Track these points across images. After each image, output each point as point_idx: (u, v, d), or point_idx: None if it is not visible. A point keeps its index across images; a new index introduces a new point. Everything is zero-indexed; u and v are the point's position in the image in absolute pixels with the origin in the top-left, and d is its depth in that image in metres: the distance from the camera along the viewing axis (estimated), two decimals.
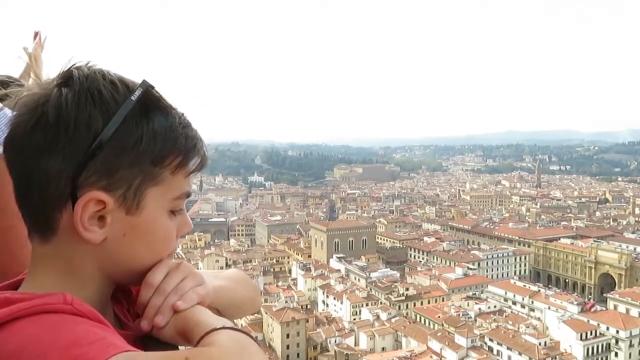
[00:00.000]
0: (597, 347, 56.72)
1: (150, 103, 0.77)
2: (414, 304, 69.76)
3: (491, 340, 55.52)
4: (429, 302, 70.28)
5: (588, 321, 59.27)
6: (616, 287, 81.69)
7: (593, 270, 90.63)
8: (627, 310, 64.41)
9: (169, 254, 0.83)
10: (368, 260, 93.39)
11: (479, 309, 64.38)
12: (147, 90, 0.77)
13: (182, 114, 0.81)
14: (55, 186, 0.73)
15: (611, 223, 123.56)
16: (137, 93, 0.76)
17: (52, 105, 0.73)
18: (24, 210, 0.77)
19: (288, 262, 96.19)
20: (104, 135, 0.72)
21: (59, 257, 0.77)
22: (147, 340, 0.79)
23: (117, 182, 0.75)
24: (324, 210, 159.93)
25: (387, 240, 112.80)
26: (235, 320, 0.97)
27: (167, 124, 0.77)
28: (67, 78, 0.76)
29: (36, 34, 3.45)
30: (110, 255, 0.77)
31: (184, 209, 0.85)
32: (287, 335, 59.15)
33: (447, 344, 52.71)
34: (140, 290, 0.82)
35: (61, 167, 0.72)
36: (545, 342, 53.76)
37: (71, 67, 0.76)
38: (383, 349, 57.28)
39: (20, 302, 0.67)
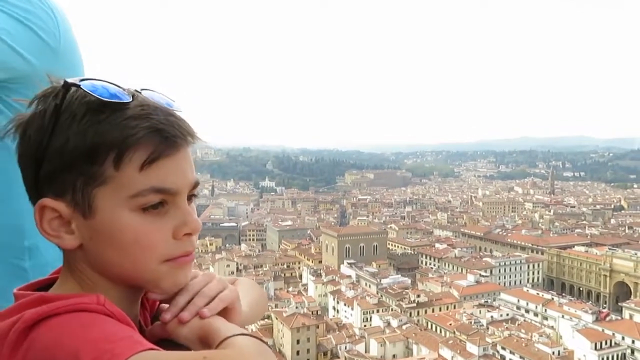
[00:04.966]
0: (612, 357, 55.90)
1: (74, 102, 0.74)
2: (425, 311, 69.35)
3: (503, 348, 54.92)
4: (440, 310, 69.83)
5: (603, 330, 58.46)
6: (632, 296, 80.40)
7: (608, 278, 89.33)
8: None
9: (162, 257, 0.77)
10: (379, 266, 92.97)
11: (491, 316, 63.77)
12: (69, 89, 0.74)
13: (127, 104, 0.74)
14: (30, 196, 0.78)
15: (627, 231, 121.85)
16: (59, 95, 0.74)
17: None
18: None
19: (299, 268, 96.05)
20: (39, 145, 0.73)
21: (67, 262, 0.81)
22: (164, 344, 0.79)
23: (60, 187, 0.74)
24: (335, 215, 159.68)
25: (398, 246, 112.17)
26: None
27: (93, 119, 0.72)
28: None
29: None
30: (94, 260, 0.78)
31: (182, 206, 0.78)
32: (297, 341, 59.08)
33: (458, 352, 52.29)
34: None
35: (29, 177, 0.77)
36: (558, 352, 53.12)
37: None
38: (394, 356, 56.99)
39: (56, 301, 0.71)
